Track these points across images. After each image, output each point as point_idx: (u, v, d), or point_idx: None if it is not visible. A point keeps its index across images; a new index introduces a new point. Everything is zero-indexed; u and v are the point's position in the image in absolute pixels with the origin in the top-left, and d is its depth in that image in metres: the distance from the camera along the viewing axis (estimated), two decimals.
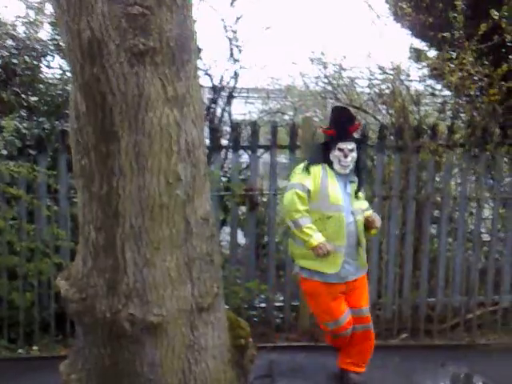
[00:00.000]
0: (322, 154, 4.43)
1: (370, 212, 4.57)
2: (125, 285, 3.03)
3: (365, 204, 4.60)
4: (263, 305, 5.76)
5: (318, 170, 4.38)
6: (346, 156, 4.33)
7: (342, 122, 4.37)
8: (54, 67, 6.34)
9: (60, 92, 6.08)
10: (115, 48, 2.82)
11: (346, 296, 4.46)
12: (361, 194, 4.60)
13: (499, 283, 6.00)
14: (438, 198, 5.85)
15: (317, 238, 4.23)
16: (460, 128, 6.07)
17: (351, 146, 4.36)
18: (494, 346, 5.58)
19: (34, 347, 5.25)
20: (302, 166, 4.49)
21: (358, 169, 4.52)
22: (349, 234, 4.37)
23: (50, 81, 6.28)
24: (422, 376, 5.02)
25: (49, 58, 6.25)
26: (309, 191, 4.31)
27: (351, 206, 4.40)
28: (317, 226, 4.30)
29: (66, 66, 6.06)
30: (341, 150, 4.33)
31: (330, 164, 4.39)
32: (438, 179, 6.01)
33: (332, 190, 4.35)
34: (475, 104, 5.95)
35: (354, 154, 4.38)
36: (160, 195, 2.99)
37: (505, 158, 6.18)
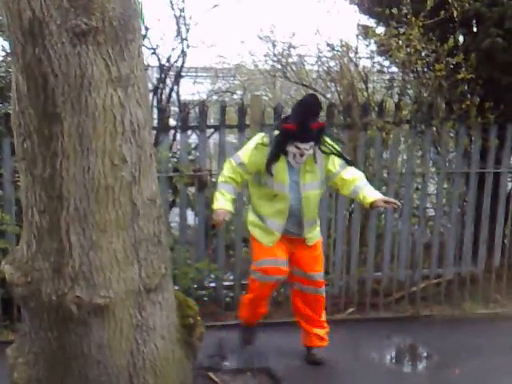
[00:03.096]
0: (278, 144, 4.33)
1: (375, 197, 4.34)
2: (71, 268, 3.01)
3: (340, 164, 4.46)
4: (213, 284, 5.79)
5: (259, 144, 4.39)
6: (302, 155, 4.27)
7: (306, 119, 4.21)
8: None
9: (3, 74, 5.92)
10: (56, 28, 2.76)
11: (295, 255, 4.54)
12: (336, 160, 4.43)
13: (443, 256, 6.16)
14: (385, 175, 5.95)
15: (218, 204, 4.34)
16: (407, 105, 6.15)
17: (310, 145, 4.26)
18: (438, 317, 5.73)
19: None
20: (254, 139, 4.50)
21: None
22: (292, 212, 4.43)
23: None
24: (368, 348, 5.14)
25: None
26: (242, 163, 4.38)
27: (300, 182, 4.39)
28: (265, 201, 4.43)
29: (9, 48, 5.88)
30: (298, 148, 4.25)
31: (284, 153, 4.32)
32: (385, 156, 6.09)
33: (277, 170, 4.35)
34: (422, 80, 6.03)
35: (311, 151, 4.30)
36: (105, 177, 2.97)
37: (450, 133, 6.31)
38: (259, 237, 4.54)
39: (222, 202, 4.34)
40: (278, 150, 4.33)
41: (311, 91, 6.58)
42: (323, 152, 4.39)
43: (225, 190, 4.39)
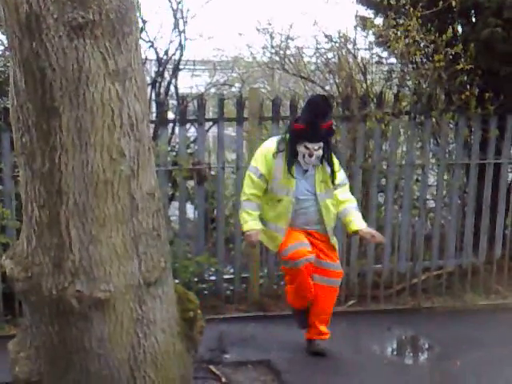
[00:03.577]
0: (289, 145, 4.41)
1: (363, 228, 4.53)
2: (71, 262, 3.00)
3: (339, 181, 4.61)
4: (213, 278, 5.80)
5: (274, 153, 4.44)
6: (311, 155, 4.33)
7: (315, 119, 4.27)
8: None
9: (2, 69, 5.91)
10: (53, 22, 2.75)
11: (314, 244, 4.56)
12: (337, 176, 4.57)
13: (444, 248, 6.15)
14: (384, 167, 5.94)
15: (248, 225, 4.45)
16: (406, 96, 6.14)
17: (318, 145, 4.33)
18: (439, 309, 5.74)
19: None
20: (265, 145, 4.55)
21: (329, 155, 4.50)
22: (310, 221, 4.50)
23: None
24: (369, 340, 5.15)
25: None
26: (262, 175, 4.44)
27: (317, 192, 4.46)
28: (269, 206, 4.51)
29: (7, 42, 5.86)
30: (307, 148, 4.32)
31: (296, 154, 4.38)
32: (384, 147, 6.08)
33: (285, 174, 4.41)
34: (421, 71, 6.02)
35: (320, 152, 4.36)
36: (104, 171, 2.96)
37: (450, 124, 6.29)
38: (266, 243, 4.64)
39: (251, 223, 4.46)
40: (291, 152, 4.39)
41: (310, 83, 6.58)
42: (328, 163, 4.46)
43: (249, 209, 4.48)
